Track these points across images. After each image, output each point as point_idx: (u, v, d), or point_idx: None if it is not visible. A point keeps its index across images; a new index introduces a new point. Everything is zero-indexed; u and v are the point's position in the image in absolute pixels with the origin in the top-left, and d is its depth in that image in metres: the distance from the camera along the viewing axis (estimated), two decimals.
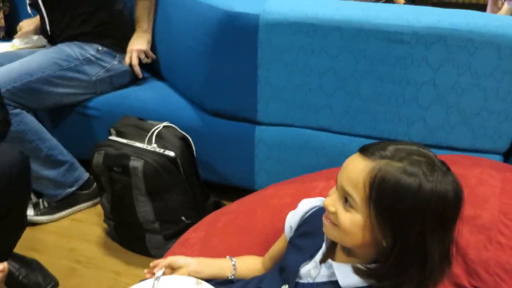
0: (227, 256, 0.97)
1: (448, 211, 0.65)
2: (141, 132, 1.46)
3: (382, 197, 0.64)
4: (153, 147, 1.40)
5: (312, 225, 0.84)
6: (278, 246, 0.94)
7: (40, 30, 1.83)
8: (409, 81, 1.26)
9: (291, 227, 0.88)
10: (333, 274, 0.74)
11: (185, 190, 1.44)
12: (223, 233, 1.15)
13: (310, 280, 0.77)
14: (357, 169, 0.67)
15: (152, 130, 1.44)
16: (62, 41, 1.69)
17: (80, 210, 1.73)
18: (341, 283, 0.73)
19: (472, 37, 1.18)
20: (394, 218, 0.65)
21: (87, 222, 1.69)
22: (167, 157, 1.38)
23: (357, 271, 0.71)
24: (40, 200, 1.69)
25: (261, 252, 1.01)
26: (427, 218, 0.64)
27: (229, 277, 0.93)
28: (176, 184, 1.41)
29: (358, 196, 0.66)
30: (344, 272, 0.73)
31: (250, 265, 0.97)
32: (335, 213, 0.69)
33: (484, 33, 1.17)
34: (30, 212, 1.66)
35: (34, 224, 1.66)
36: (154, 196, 1.39)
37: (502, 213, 0.99)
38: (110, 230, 1.57)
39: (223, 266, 0.95)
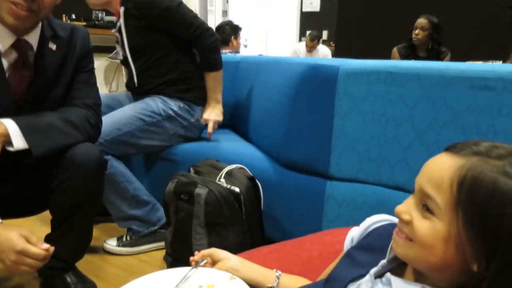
0: (275, 269, 0.88)
1: None
2: (215, 171, 1.52)
3: (474, 200, 0.51)
4: (221, 181, 1.43)
5: (376, 240, 0.73)
6: (334, 265, 0.81)
7: (126, 83, 2.06)
8: (496, 132, 1.13)
9: (352, 239, 0.79)
10: None
11: (243, 231, 1.40)
12: (264, 258, 1.07)
13: None
14: (442, 166, 0.55)
15: (224, 169, 1.49)
16: (148, 91, 1.89)
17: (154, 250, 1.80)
18: None
19: None
20: (489, 229, 0.51)
21: (151, 263, 1.72)
22: (231, 191, 1.39)
23: None
24: (125, 234, 1.80)
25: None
26: None
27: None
28: (235, 221, 1.38)
29: (441, 198, 0.54)
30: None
31: (296, 283, 0.85)
32: (410, 223, 0.57)
33: None
34: (113, 242, 1.78)
35: (106, 255, 1.75)
36: (211, 229, 1.38)
37: None
38: (167, 266, 1.56)
39: (265, 275, 0.86)
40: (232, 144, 1.90)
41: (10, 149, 1.14)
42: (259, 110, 1.86)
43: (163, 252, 1.73)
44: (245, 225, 1.40)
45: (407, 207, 0.58)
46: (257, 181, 1.48)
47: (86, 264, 1.50)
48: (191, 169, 1.58)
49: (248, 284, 0.82)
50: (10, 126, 1.14)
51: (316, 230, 1.47)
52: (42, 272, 1.48)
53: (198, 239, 1.39)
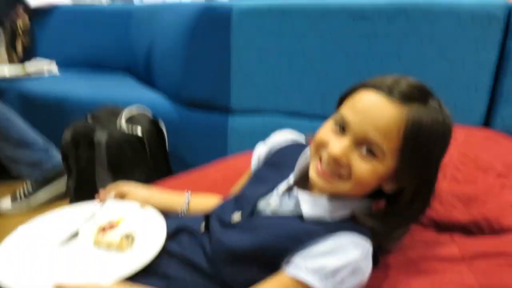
0: (186, 191, 0.90)
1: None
2: (114, 116, 1.47)
3: (417, 145, 0.59)
4: (122, 126, 1.40)
5: (283, 157, 0.79)
6: (242, 181, 0.87)
7: None
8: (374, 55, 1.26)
9: (259, 157, 0.83)
10: (298, 205, 0.67)
11: (150, 171, 1.40)
12: (169, 187, 1.09)
13: (269, 213, 0.70)
14: (386, 116, 0.59)
15: (123, 113, 1.45)
16: None
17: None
18: (305, 211, 0.66)
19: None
20: (425, 164, 0.61)
21: None
22: (133, 134, 1.38)
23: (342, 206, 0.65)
24: (18, 189, 1.68)
25: None
26: (442, 157, 0.63)
27: (179, 213, 0.86)
28: (139, 162, 1.38)
29: (387, 145, 0.59)
30: (312, 202, 0.66)
31: (206, 202, 0.88)
32: (347, 165, 0.61)
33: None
34: (7, 202, 1.66)
35: (3, 219, 1.63)
36: (116, 172, 1.36)
37: (461, 154, 0.92)
38: None
39: (176, 200, 0.88)
40: (130, 88, 1.85)
41: None
42: (156, 53, 1.82)
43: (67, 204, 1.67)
44: (151, 165, 1.40)
45: (343, 150, 0.61)
46: (159, 121, 1.48)
47: None
48: (88, 117, 1.52)
49: (161, 210, 0.83)
50: None
51: None
52: None
53: (102, 183, 1.36)
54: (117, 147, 1.33)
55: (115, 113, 1.49)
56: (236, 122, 1.48)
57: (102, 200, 0.86)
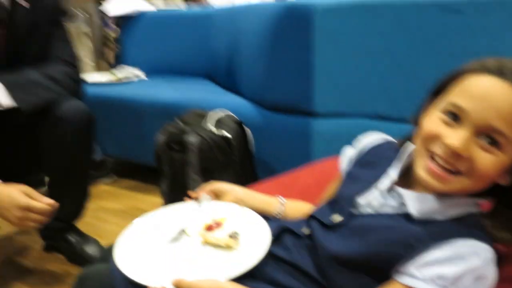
0: (278, 195, 0.90)
1: None
2: (202, 119, 1.54)
3: None
4: (211, 128, 1.47)
5: (377, 156, 0.76)
6: (332, 187, 0.85)
7: None
8: (468, 53, 1.19)
9: (350, 159, 0.81)
10: (402, 204, 0.64)
11: (237, 174, 1.45)
12: (261, 191, 1.12)
13: (371, 211, 0.68)
14: (509, 100, 0.55)
15: (212, 116, 1.52)
16: None
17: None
18: (412, 210, 0.62)
19: None
20: None
21: None
22: (222, 136, 1.43)
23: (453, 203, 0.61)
24: None
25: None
26: None
27: (275, 215, 0.86)
28: (229, 165, 1.43)
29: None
30: (419, 200, 0.62)
31: (301, 207, 0.88)
32: (468, 159, 0.56)
33: None
34: None
35: (100, 214, 1.77)
36: (206, 175, 1.42)
37: None
38: None
39: (270, 202, 0.88)
40: (213, 93, 1.92)
41: None
42: (238, 57, 1.87)
43: (161, 204, 1.78)
44: (238, 168, 1.45)
45: (464, 142, 0.56)
46: (244, 124, 1.52)
47: (83, 225, 1.52)
48: (178, 121, 1.60)
49: (255, 212, 0.83)
50: None
51: None
52: (44, 234, 1.51)
53: (194, 186, 1.44)
54: (208, 149, 1.40)
55: (203, 116, 1.56)
56: (320, 126, 1.48)
57: (197, 199, 0.88)
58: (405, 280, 0.59)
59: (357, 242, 0.64)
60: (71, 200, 1.40)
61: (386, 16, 1.29)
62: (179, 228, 0.79)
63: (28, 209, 1.06)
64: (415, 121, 0.67)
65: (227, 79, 2.03)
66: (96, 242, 1.49)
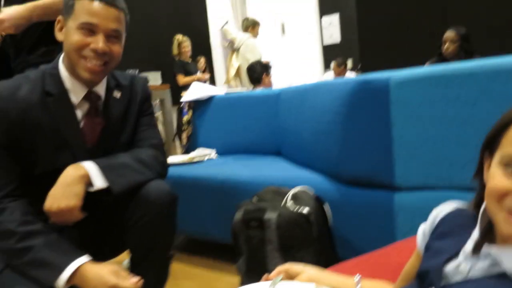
0: (355, 275, 0.86)
1: None
2: (279, 196, 1.54)
3: None
4: (288, 205, 1.45)
5: (449, 225, 0.73)
6: (411, 263, 0.82)
7: None
8: None
9: (424, 234, 0.78)
10: (494, 264, 0.60)
11: (317, 252, 1.40)
12: (351, 271, 1.06)
13: (460, 278, 0.64)
14: None
15: (289, 193, 1.51)
16: None
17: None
18: (509, 265, 0.58)
19: None
20: None
21: None
22: (301, 213, 1.40)
23: None
24: None
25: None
26: None
27: None
28: (308, 242, 1.38)
29: None
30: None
31: (379, 285, 0.85)
32: None
33: None
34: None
35: None
36: (286, 253, 1.38)
37: None
38: None
39: (346, 282, 0.85)
40: (286, 169, 1.93)
41: (91, 189, 1.20)
42: (309, 134, 1.89)
43: (237, 284, 1.74)
44: (317, 245, 1.40)
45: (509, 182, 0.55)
46: (322, 199, 1.49)
47: None
48: (254, 198, 1.61)
49: None
50: (90, 167, 1.21)
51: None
52: None
53: (273, 264, 1.39)
54: (287, 226, 1.37)
55: (279, 193, 1.56)
56: (403, 200, 1.41)
57: (273, 280, 0.86)
58: None
59: None
60: (152, 278, 1.41)
61: (468, 85, 1.26)
62: None
63: None
64: (478, 180, 0.67)
65: (298, 155, 2.05)
66: None
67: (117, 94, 1.36)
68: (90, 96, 1.29)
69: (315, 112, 1.85)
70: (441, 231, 0.74)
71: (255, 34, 5.60)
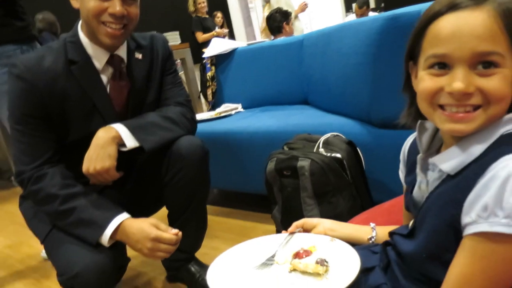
0: (370, 223, 0.91)
1: None
2: (310, 143, 1.53)
3: None
4: (320, 151, 1.44)
5: (413, 155, 0.76)
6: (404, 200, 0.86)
7: None
8: None
9: (401, 171, 0.83)
10: (440, 171, 0.63)
11: (352, 196, 1.39)
12: (386, 212, 1.06)
13: (425, 197, 0.67)
14: (479, 21, 0.55)
15: (320, 139, 1.49)
16: None
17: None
18: (446, 169, 0.61)
19: None
20: None
21: None
22: (334, 158, 1.39)
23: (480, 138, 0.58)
24: None
25: None
26: None
27: (370, 240, 0.87)
28: (343, 186, 1.38)
29: (500, 46, 0.55)
30: (447, 157, 0.61)
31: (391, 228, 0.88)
32: (478, 91, 0.57)
33: None
34: None
35: (216, 244, 1.81)
36: (321, 199, 1.39)
37: None
38: None
39: (360, 229, 0.90)
40: (315, 116, 1.90)
41: (124, 149, 1.23)
42: (336, 79, 1.83)
43: (274, 231, 1.77)
44: (353, 189, 1.40)
45: (465, 80, 0.56)
46: (354, 144, 1.47)
47: (199, 255, 1.56)
48: (285, 147, 1.60)
49: (346, 241, 0.83)
50: (120, 128, 1.23)
51: None
52: (168, 265, 1.58)
53: (309, 211, 1.41)
54: (320, 172, 1.36)
55: (310, 140, 1.55)
56: None
57: (291, 232, 0.90)
58: (465, 232, 0.56)
59: (424, 230, 0.65)
60: (192, 232, 1.46)
61: None
62: (268, 256, 0.82)
63: (158, 240, 1.13)
64: (407, 93, 0.72)
65: (326, 102, 2.01)
66: None
67: (138, 55, 1.35)
68: (112, 60, 1.28)
69: (341, 55, 1.78)
70: (409, 163, 0.78)
71: None
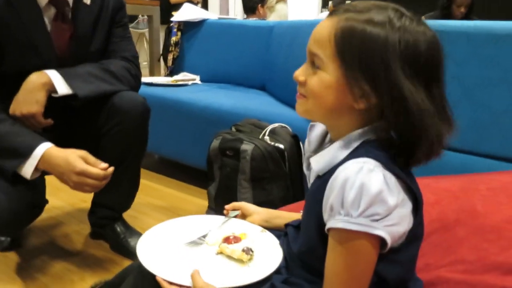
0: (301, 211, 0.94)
1: (423, 61, 0.59)
2: (257, 129, 1.56)
3: (348, 47, 0.60)
4: (266, 138, 1.48)
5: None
6: None
7: None
8: None
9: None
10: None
11: (286, 186, 1.45)
12: (299, 207, 1.11)
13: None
14: (322, 28, 0.63)
15: (267, 127, 1.53)
16: None
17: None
18: (316, 169, 0.67)
19: None
20: (366, 67, 0.59)
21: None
22: (276, 147, 1.43)
23: (342, 145, 0.64)
24: None
25: None
26: (398, 67, 0.58)
27: None
28: (279, 176, 1.43)
29: (323, 52, 0.62)
30: (319, 158, 0.67)
31: None
32: (304, 82, 0.66)
33: None
34: None
35: (144, 209, 1.81)
36: (256, 183, 1.43)
37: None
38: None
39: (293, 219, 0.91)
40: (269, 104, 1.93)
41: (55, 95, 1.19)
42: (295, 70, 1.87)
43: (205, 207, 1.80)
44: (288, 180, 1.45)
45: (302, 71, 0.66)
46: (299, 138, 1.52)
47: (127, 217, 1.56)
48: (233, 128, 1.62)
49: (279, 230, 0.87)
50: (53, 75, 1.19)
51: None
52: (93, 222, 1.55)
53: (243, 193, 1.44)
54: (261, 158, 1.40)
55: (258, 126, 1.58)
56: None
57: (227, 211, 0.93)
58: (330, 228, 0.61)
59: (302, 226, 0.72)
60: (123, 189, 1.44)
61: (459, 44, 1.26)
62: (200, 236, 0.84)
63: (84, 174, 1.08)
64: None
65: (282, 92, 2.04)
66: (140, 235, 1.52)
67: (87, 0, 1.30)
68: (56, 0, 1.23)
69: (305, 51, 1.81)
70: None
71: None
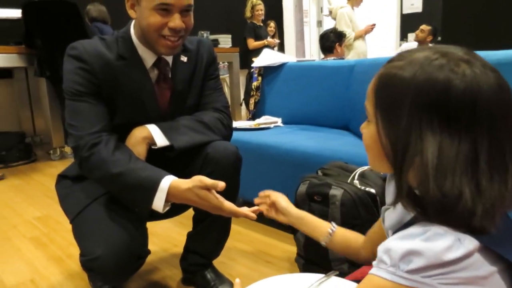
0: (331, 222, 1.07)
1: (452, 105, 0.54)
2: (345, 173, 1.51)
3: (381, 96, 0.61)
4: (355, 182, 1.42)
5: None
6: (374, 227, 0.97)
7: None
8: None
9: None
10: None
11: None
12: None
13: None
14: (371, 84, 0.65)
15: (356, 170, 1.47)
16: None
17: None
18: (386, 225, 0.75)
19: None
20: (393, 117, 0.59)
21: (279, 265, 1.75)
22: (367, 192, 1.37)
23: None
24: None
25: None
26: (426, 113, 0.56)
27: (322, 243, 1.03)
28: (371, 222, 1.34)
29: (369, 103, 0.64)
30: (391, 212, 0.73)
31: (349, 239, 1.04)
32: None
33: None
34: None
35: (234, 255, 1.81)
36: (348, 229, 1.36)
37: None
38: (299, 268, 1.57)
39: (319, 228, 1.06)
40: (354, 145, 1.87)
41: (154, 147, 1.27)
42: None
43: (294, 253, 1.76)
44: None
45: (364, 123, 0.68)
46: None
47: (215, 263, 1.57)
48: (319, 172, 1.59)
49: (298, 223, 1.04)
50: (152, 129, 1.28)
51: None
52: (185, 268, 1.59)
53: None
54: (351, 204, 1.34)
55: (345, 169, 1.53)
56: None
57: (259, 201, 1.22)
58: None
59: None
60: (214, 237, 1.47)
61: None
62: None
63: (220, 210, 1.18)
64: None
65: None
66: (230, 283, 1.52)
67: (183, 58, 1.38)
68: (159, 63, 1.32)
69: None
70: None
71: (355, 3, 4.96)
